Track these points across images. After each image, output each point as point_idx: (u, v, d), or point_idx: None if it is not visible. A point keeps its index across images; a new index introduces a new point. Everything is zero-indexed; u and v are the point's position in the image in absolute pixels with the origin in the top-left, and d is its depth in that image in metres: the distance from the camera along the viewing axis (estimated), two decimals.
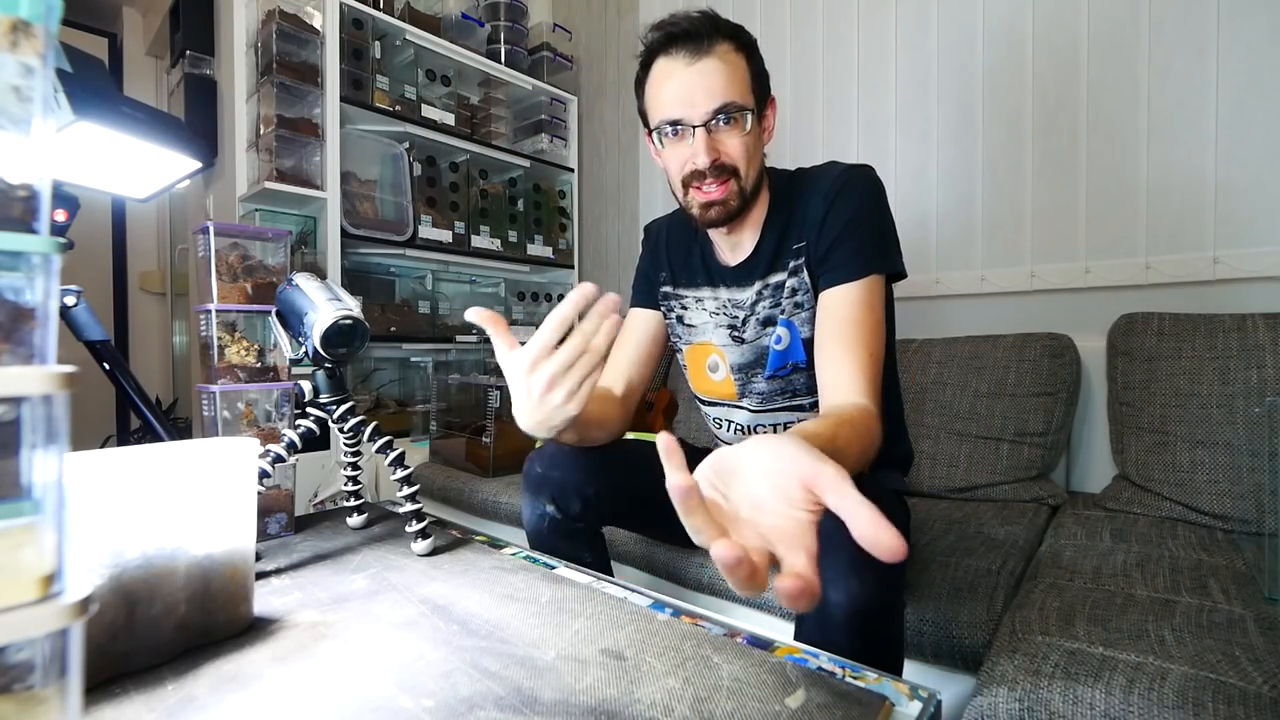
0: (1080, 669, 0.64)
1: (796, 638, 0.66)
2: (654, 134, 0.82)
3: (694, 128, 0.77)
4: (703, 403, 1.01)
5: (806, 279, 0.82)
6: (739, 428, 0.95)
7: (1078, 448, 1.37)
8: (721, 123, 0.77)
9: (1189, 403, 1.12)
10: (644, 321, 1.01)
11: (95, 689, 0.47)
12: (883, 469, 0.91)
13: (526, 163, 2.35)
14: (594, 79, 2.57)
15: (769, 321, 0.87)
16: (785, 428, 0.88)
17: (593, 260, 2.59)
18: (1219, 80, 1.25)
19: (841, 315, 0.76)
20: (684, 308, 0.96)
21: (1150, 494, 1.13)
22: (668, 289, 0.98)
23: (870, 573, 0.61)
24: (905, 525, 0.90)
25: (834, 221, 0.79)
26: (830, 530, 0.63)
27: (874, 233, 0.79)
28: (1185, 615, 0.72)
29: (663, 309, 1.00)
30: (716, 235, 0.90)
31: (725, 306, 0.91)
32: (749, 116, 0.77)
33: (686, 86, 0.76)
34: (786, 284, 0.84)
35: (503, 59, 2.30)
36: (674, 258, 0.97)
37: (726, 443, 0.96)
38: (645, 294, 1.02)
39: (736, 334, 0.90)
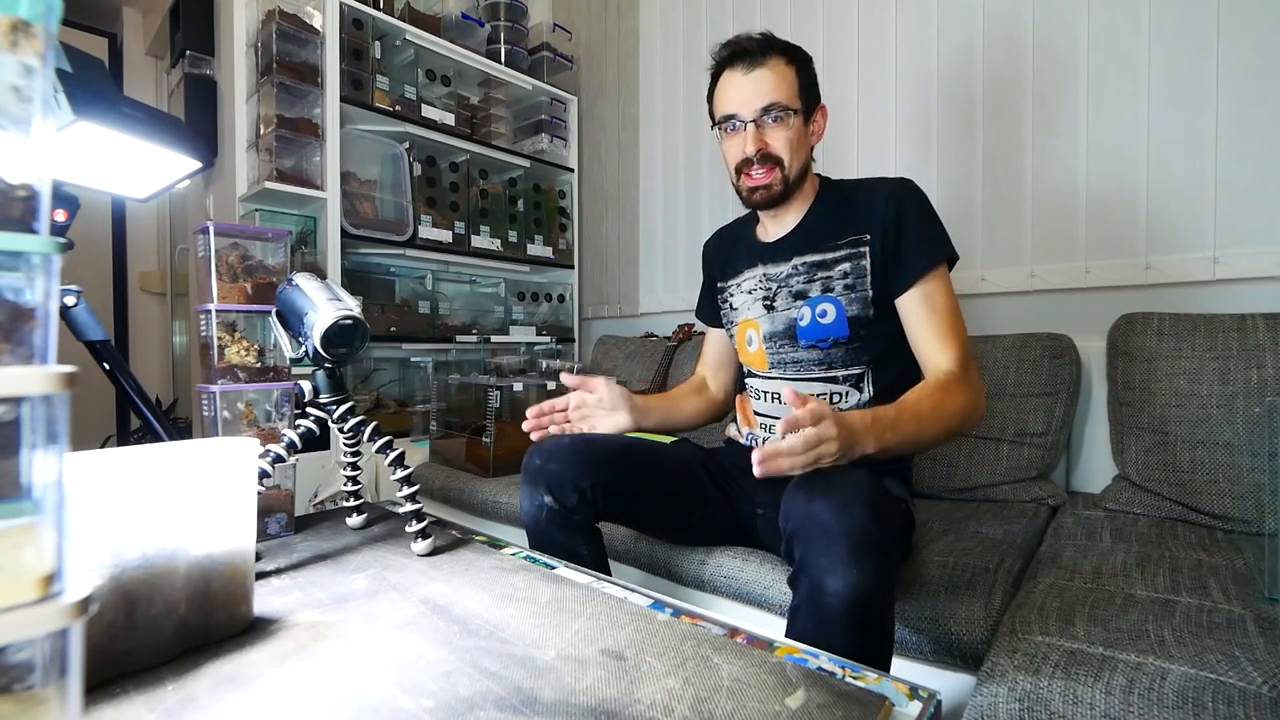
0: (1080, 669, 0.64)
1: (789, 633, 0.66)
2: (718, 129, 0.98)
3: (745, 123, 0.93)
4: (747, 375, 1.11)
5: (866, 265, 0.94)
6: (774, 395, 1.01)
7: (1078, 448, 1.37)
8: (769, 120, 0.93)
9: (1189, 403, 1.12)
10: (718, 339, 1.20)
11: (95, 689, 0.47)
12: (885, 475, 0.92)
13: (526, 163, 2.35)
14: (594, 79, 2.57)
15: (801, 295, 0.98)
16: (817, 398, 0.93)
17: (593, 260, 2.59)
18: (1219, 80, 1.25)
19: (933, 305, 0.90)
20: (731, 295, 1.11)
21: (1150, 494, 1.13)
22: (720, 284, 1.14)
23: (869, 563, 0.63)
24: (907, 533, 0.91)
25: (909, 221, 0.92)
26: (829, 522, 0.65)
27: (938, 229, 0.94)
28: (1185, 615, 0.72)
29: (722, 309, 1.14)
30: (765, 215, 1.04)
31: (761, 281, 1.03)
32: (792, 115, 0.93)
33: (742, 90, 0.94)
34: (838, 266, 0.95)
35: (503, 59, 2.29)
36: (724, 258, 1.13)
37: (762, 413, 1.05)
38: (710, 315, 1.20)
39: (769, 303, 1.02)
